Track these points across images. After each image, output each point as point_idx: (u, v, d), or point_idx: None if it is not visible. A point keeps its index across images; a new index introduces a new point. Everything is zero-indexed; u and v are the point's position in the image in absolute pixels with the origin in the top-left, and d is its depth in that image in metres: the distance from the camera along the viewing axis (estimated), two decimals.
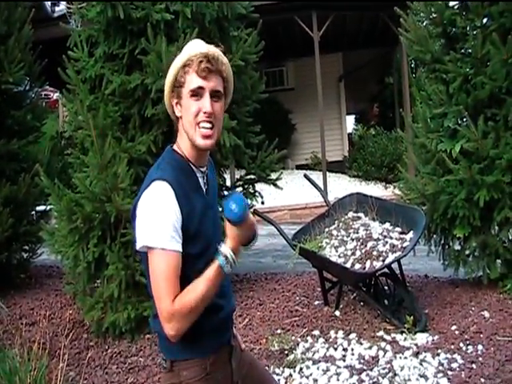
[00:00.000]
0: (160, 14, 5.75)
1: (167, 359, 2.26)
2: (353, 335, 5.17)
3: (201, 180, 2.29)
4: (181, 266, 2.10)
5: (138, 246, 2.12)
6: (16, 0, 7.70)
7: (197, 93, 2.16)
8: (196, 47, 2.21)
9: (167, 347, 2.25)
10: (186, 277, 2.11)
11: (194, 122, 2.16)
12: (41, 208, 7.76)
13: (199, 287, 2.06)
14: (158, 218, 2.08)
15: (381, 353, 4.83)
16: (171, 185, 2.11)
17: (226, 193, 6.84)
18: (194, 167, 2.26)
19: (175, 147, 2.28)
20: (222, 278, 2.10)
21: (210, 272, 2.07)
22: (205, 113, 2.15)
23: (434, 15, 6.06)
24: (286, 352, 5.00)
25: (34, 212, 7.70)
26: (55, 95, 19.13)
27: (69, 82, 6.07)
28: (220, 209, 2.18)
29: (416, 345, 4.92)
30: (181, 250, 2.10)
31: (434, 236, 6.10)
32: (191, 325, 2.08)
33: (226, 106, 2.35)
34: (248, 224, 2.10)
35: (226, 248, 2.08)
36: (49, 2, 13.30)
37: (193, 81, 2.16)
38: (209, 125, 2.16)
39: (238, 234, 2.08)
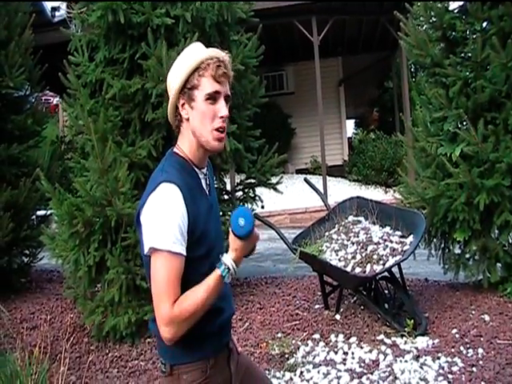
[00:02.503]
0: (160, 19, 5.76)
1: (167, 363, 2.24)
2: (353, 339, 5.18)
3: (203, 181, 2.29)
4: (183, 270, 2.10)
5: (146, 248, 2.10)
6: (17, 0, 7.72)
7: (214, 97, 2.17)
8: (205, 51, 2.22)
9: (167, 351, 2.24)
10: (190, 279, 2.11)
11: (211, 127, 2.17)
12: (41, 212, 7.77)
13: (199, 293, 2.06)
14: (166, 220, 2.06)
15: (381, 356, 4.83)
16: (179, 187, 2.10)
17: (226, 197, 6.84)
18: (196, 169, 2.26)
19: (176, 150, 2.27)
20: (221, 287, 2.10)
21: (211, 280, 2.07)
22: (221, 117, 2.17)
23: (434, 19, 6.08)
24: (287, 356, 5.01)
25: (34, 216, 7.72)
26: (55, 100, 19.16)
27: (69, 87, 6.08)
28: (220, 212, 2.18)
29: (416, 348, 4.91)
30: (185, 253, 2.10)
31: (434, 240, 6.11)
32: (191, 328, 2.08)
33: None
34: (253, 238, 2.11)
35: (228, 258, 2.08)
36: (49, 7, 13.32)
37: (210, 85, 2.16)
38: (223, 129, 2.19)
39: (242, 246, 2.08)
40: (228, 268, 2.07)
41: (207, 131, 2.17)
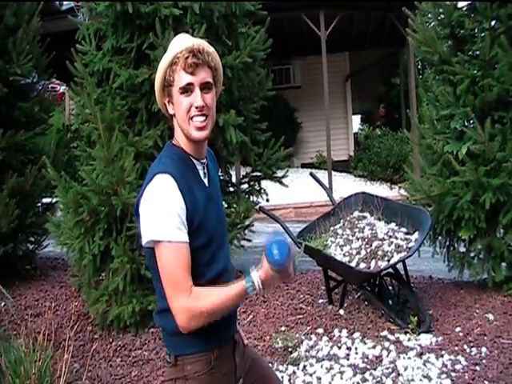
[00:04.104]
0: (168, 9, 5.75)
1: (171, 354, 2.25)
2: (357, 334, 5.18)
3: (201, 172, 2.31)
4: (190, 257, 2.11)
5: (144, 241, 2.13)
6: (21, 0, 7.70)
7: (187, 89, 2.18)
8: (180, 43, 2.22)
9: (171, 342, 2.26)
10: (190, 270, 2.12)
11: (187, 117, 2.19)
12: (47, 200, 7.77)
13: (219, 296, 2.07)
14: (162, 211, 2.09)
15: (384, 352, 4.83)
16: (174, 177, 2.12)
17: (231, 189, 6.83)
18: (193, 160, 2.28)
19: (174, 142, 2.31)
20: (243, 299, 2.11)
21: (235, 288, 2.07)
22: (197, 107, 2.18)
23: (442, 16, 6.06)
24: (290, 349, 5.01)
25: (40, 204, 7.71)
26: (61, 88, 19.14)
27: (76, 75, 6.08)
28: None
29: (420, 345, 4.92)
30: (188, 240, 2.11)
31: (439, 237, 6.11)
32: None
33: (219, 93, 2.38)
34: (284, 272, 2.06)
35: (256, 275, 2.06)
36: None
37: (181, 78, 2.17)
38: (202, 117, 2.19)
39: (270, 272, 2.04)
40: (253, 283, 2.05)
41: (186, 123, 2.20)
